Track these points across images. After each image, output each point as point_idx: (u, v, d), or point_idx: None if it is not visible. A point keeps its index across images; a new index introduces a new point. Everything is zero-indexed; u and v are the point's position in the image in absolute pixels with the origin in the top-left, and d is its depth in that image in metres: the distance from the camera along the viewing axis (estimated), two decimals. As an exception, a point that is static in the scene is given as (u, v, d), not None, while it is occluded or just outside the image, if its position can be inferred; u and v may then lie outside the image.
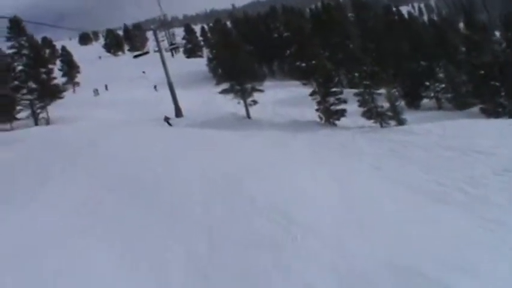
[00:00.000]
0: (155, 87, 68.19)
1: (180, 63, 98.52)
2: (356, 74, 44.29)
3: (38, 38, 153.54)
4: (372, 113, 42.21)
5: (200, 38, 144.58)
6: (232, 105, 47.94)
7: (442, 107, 55.94)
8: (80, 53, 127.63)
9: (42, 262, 13.07)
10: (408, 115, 43.09)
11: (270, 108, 50.93)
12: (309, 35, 44.89)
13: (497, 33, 69.44)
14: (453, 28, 77.37)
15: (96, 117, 48.53)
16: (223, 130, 38.50)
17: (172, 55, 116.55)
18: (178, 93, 51.76)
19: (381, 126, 41.59)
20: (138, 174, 21.77)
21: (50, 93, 48.87)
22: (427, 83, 56.29)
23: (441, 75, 56.43)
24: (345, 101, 42.59)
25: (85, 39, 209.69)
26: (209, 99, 55.94)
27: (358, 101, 42.85)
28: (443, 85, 55.96)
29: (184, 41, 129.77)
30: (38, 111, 47.95)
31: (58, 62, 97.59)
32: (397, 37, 58.73)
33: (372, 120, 42.25)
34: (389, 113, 41.80)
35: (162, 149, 27.95)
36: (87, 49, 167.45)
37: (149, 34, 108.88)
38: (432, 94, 56.71)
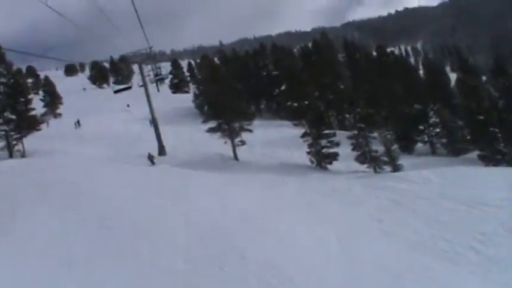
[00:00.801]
0: (150, 122, 65.72)
1: (165, 98, 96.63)
2: (347, 116, 42.69)
3: (23, 67, 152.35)
4: (365, 157, 40.30)
5: (187, 74, 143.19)
6: (218, 144, 45.52)
7: (436, 152, 54.27)
8: (65, 84, 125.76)
9: None
10: (402, 160, 41.35)
11: (258, 149, 48.67)
12: (299, 74, 42.84)
13: (484, 78, 69.04)
14: (443, 72, 76.14)
15: (75, 151, 45.83)
16: (209, 172, 36.17)
17: (158, 89, 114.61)
18: (163, 129, 49.46)
19: (375, 171, 39.68)
20: (113, 216, 19.48)
21: (27, 124, 46.08)
22: (421, 127, 54.67)
23: (435, 119, 54.91)
24: (337, 144, 40.61)
25: (71, 70, 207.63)
26: (195, 137, 53.53)
27: (352, 144, 40.95)
28: (437, 130, 54.37)
29: (170, 75, 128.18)
30: (14, 142, 45.13)
31: (41, 92, 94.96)
32: (390, 79, 57.23)
33: (366, 165, 40.34)
34: (384, 158, 39.89)
35: (141, 189, 25.56)
36: (73, 80, 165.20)
37: (135, 67, 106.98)
38: (426, 138, 55.00)
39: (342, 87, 70.37)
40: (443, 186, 30.93)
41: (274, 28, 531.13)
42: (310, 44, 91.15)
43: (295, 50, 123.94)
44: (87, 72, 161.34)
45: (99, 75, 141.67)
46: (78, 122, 68.27)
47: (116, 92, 50.39)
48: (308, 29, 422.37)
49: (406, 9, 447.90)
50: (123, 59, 46.40)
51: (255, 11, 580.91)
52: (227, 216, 21.02)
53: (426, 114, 54.86)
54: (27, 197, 23.18)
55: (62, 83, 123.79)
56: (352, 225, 22.75)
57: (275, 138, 54.94)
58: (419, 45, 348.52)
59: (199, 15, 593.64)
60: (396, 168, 39.01)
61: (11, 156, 44.16)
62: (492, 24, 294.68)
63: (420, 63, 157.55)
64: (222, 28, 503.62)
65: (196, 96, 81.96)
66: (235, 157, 43.72)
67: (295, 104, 40.91)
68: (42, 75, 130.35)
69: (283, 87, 77.29)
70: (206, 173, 35.62)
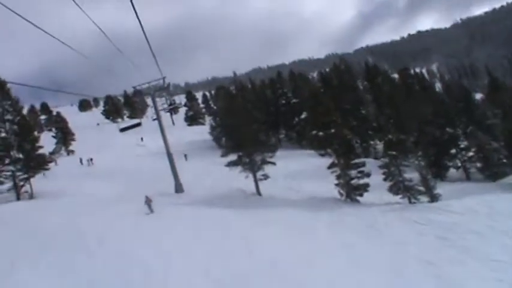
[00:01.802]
0: (185, 156, 64.00)
1: (181, 131, 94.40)
2: (371, 142, 39.43)
3: (38, 104, 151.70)
4: (399, 187, 37.08)
5: (202, 105, 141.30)
6: (239, 179, 42.36)
7: (470, 177, 50.72)
8: (78, 120, 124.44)
9: None
10: (437, 188, 37.93)
11: (282, 182, 45.49)
12: (323, 101, 39.71)
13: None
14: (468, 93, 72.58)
15: (85, 192, 42.98)
16: (230, 210, 33.12)
17: (173, 123, 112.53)
18: (180, 163, 46.58)
19: (410, 202, 36.41)
20: (124, 270, 17.55)
21: (35, 164, 43.34)
22: (453, 151, 51.26)
23: (467, 142, 51.51)
24: (368, 175, 37.37)
25: (85, 105, 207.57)
26: (213, 171, 50.58)
27: (384, 173, 37.79)
28: (470, 153, 50.90)
29: (185, 106, 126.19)
30: (21, 183, 42.40)
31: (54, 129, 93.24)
32: (416, 102, 54.02)
33: (400, 196, 37.10)
34: (420, 187, 36.62)
35: (155, 237, 22.73)
36: (87, 116, 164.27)
37: (149, 101, 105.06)
38: (459, 164, 51.48)
39: (363, 112, 67.43)
40: (491, 218, 28.21)
41: (287, 56, 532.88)
42: (327, 70, 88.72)
43: (310, 77, 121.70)
44: (101, 107, 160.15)
45: (112, 110, 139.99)
46: (90, 159, 65.83)
47: (122, 130, 43.94)
48: (321, 56, 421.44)
49: (419, 32, 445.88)
50: (137, 93, 43.15)
51: (266, 41, 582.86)
52: (253, 265, 18.25)
53: (457, 137, 51.54)
54: (28, 249, 20.72)
55: (76, 119, 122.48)
56: (400, 272, 19.62)
57: (298, 170, 51.89)
58: (434, 67, 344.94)
59: (212, 47, 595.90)
60: (434, 198, 35.74)
61: (18, 198, 41.39)
62: (507, 42, 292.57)
63: (436, 85, 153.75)
64: (235, 59, 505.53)
65: (212, 128, 79.45)
66: (258, 192, 40.45)
67: (321, 133, 37.72)
68: (56, 111, 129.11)
69: (303, 115, 74.95)
70: (228, 211, 32.64)
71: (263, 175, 40.38)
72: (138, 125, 44.46)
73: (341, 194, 38.43)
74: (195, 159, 62.17)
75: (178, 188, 42.45)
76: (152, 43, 18.19)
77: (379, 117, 65.36)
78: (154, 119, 46.30)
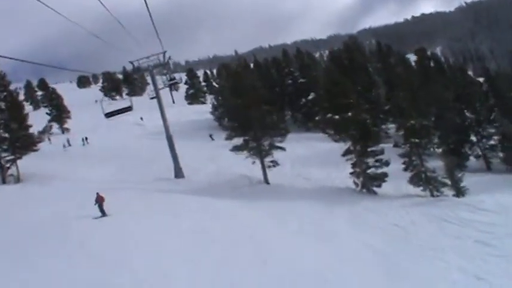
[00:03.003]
0: (211, 136, 61.03)
1: (181, 110, 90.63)
2: (383, 126, 35.67)
3: (35, 80, 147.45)
4: (420, 177, 33.72)
5: (203, 84, 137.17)
6: (244, 164, 38.86)
7: (490, 168, 47.14)
8: (76, 97, 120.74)
9: None
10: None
11: (289, 168, 41.91)
12: (339, 82, 35.86)
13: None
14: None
15: (78, 175, 39.57)
16: (236, 200, 29.77)
17: (173, 101, 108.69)
18: (180, 145, 43.25)
19: (432, 195, 33.05)
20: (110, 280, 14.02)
21: (22, 144, 39.67)
22: (473, 139, 47.60)
23: (489, 129, 47.78)
24: (387, 163, 33.89)
25: (83, 82, 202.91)
26: (216, 154, 47.02)
27: (404, 163, 34.40)
28: (491, 142, 47.27)
29: (186, 84, 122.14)
30: (7, 165, 38.87)
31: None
32: (435, 84, 50.18)
33: (420, 188, 33.75)
34: (444, 179, 33.22)
35: (147, 235, 19.19)
36: (85, 92, 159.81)
37: (149, 78, 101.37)
38: (480, 152, 47.79)
39: (373, 95, 63.75)
40: (533, 218, 24.81)
41: (288, 37, 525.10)
42: (335, 49, 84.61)
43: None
44: (101, 84, 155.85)
45: (111, 87, 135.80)
46: (86, 139, 62.22)
47: (108, 116, 37.89)
48: (324, 36, 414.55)
49: (423, 15, 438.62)
50: (135, 69, 39.19)
51: (268, 21, 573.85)
52: (271, 279, 15.08)
53: (479, 123, 47.83)
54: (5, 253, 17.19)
55: (74, 96, 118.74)
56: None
57: (307, 155, 48.28)
58: (438, 51, 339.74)
59: (213, 25, 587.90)
60: (460, 192, 32.28)
61: (4, 181, 37.95)
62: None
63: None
64: (236, 38, 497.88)
65: (215, 107, 75.86)
66: (266, 180, 36.91)
67: (337, 116, 34.00)
68: (57, 88, 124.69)
69: (310, 96, 71.25)
70: (232, 202, 29.27)
71: (272, 161, 36.84)
72: (128, 109, 37.79)
73: (356, 184, 34.99)
74: (196, 140, 58.54)
75: (178, 173, 39.11)
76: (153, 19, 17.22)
77: (391, 100, 61.79)
78: (152, 98, 42.54)
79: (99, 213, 21.97)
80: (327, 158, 43.73)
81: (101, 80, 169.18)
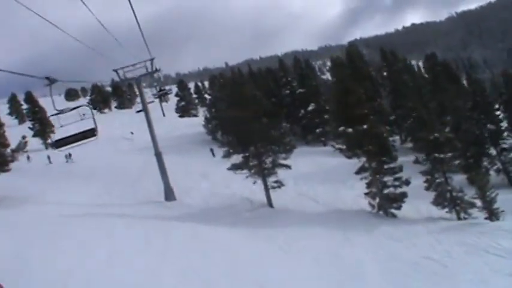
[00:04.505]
0: (212, 151, 54.32)
1: (172, 123, 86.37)
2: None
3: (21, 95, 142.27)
4: (444, 198, 29.70)
5: (194, 96, 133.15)
6: (243, 182, 34.48)
7: (512, 182, 43.20)
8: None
9: None
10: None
11: (292, 187, 37.37)
12: (353, 89, 31.61)
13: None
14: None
15: (56, 198, 34.93)
16: (235, 229, 25.44)
17: (163, 114, 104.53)
18: (171, 161, 38.93)
19: (459, 218, 29.07)
20: None
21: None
22: (492, 152, 43.65)
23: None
24: (407, 182, 29.76)
25: (72, 95, 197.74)
26: (211, 172, 42.70)
27: (426, 181, 30.35)
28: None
29: (176, 97, 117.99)
30: (-24, 187, 34.52)
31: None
32: (449, 93, 46.26)
33: (445, 209, 29.74)
34: (473, 199, 29.21)
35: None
36: (73, 105, 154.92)
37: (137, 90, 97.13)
38: (500, 166, 43.77)
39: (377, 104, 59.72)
40: None
41: (279, 48, 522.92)
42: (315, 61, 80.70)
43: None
44: (89, 96, 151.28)
45: (99, 100, 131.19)
46: (69, 155, 57.58)
47: (56, 145, 25.80)
48: (314, 47, 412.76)
49: (414, 25, 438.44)
50: (123, 80, 35.17)
51: (257, 33, 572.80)
52: None
53: (499, 135, 43.83)
54: None
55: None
56: None
57: (309, 171, 43.91)
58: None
59: (202, 38, 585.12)
60: (493, 215, 28.25)
61: (-31, 206, 33.39)
62: (505, 36, 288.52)
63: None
64: (226, 50, 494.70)
65: (207, 120, 71.56)
66: (269, 203, 32.33)
67: (350, 130, 29.71)
68: (44, 101, 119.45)
69: (310, 107, 67.28)
70: (231, 231, 24.94)
71: (276, 182, 32.32)
72: (90, 134, 21.65)
73: (372, 206, 30.79)
74: (188, 156, 54.17)
75: (169, 195, 34.58)
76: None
77: (396, 110, 58.08)
78: (138, 111, 38.11)
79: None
80: (332, 174, 40.09)
81: (89, 93, 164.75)
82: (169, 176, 36.02)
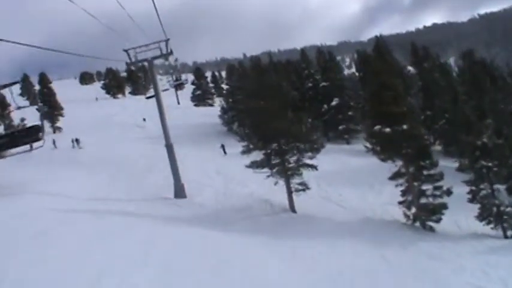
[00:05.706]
0: (223, 147, 49.83)
1: (187, 112, 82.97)
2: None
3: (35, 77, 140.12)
4: (490, 213, 26.17)
5: (211, 85, 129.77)
6: (261, 180, 30.98)
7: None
8: (77, 93, 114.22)
9: None
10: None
11: (315, 188, 33.53)
12: (390, 85, 28.02)
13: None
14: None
15: (57, 188, 31.69)
16: (252, 238, 22.03)
17: (178, 102, 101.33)
18: (183, 153, 35.68)
19: (505, 236, 25.56)
20: None
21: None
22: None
23: None
24: (448, 192, 26.17)
25: (86, 78, 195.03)
26: (225, 166, 39.42)
27: (471, 192, 26.78)
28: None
29: (190, 81, 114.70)
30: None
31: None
32: (488, 94, 42.49)
33: (490, 225, 26.24)
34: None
35: None
36: (87, 89, 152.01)
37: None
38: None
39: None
40: None
41: (298, 42, 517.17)
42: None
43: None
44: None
45: (113, 84, 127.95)
46: (76, 140, 54.34)
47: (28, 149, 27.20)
48: (334, 42, 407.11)
49: (435, 25, 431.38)
50: (134, 62, 32.15)
51: (275, 27, 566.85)
52: None
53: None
54: None
55: (74, 92, 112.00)
56: None
57: (332, 171, 40.06)
58: (451, 61, 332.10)
59: (221, 29, 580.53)
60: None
61: (-39, 194, 30.34)
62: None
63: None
64: (244, 41, 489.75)
65: (224, 110, 68.12)
66: (292, 208, 28.80)
67: (388, 129, 26.12)
68: (59, 84, 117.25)
69: (334, 102, 63.75)
70: (247, 240, 21.57)
71: (300, 184, 28.74)
72: (34, 136, 24.60)
73: (407, 217, 27.23)
74: (202, 148, 50.71)
75: (179, 192, 31.31)
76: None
77: (425, 110, 54.35)
78: (148, 97, 34.87)
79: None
80: (357, 176, 36.91)
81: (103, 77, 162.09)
82: (181, 170, 32.83)
